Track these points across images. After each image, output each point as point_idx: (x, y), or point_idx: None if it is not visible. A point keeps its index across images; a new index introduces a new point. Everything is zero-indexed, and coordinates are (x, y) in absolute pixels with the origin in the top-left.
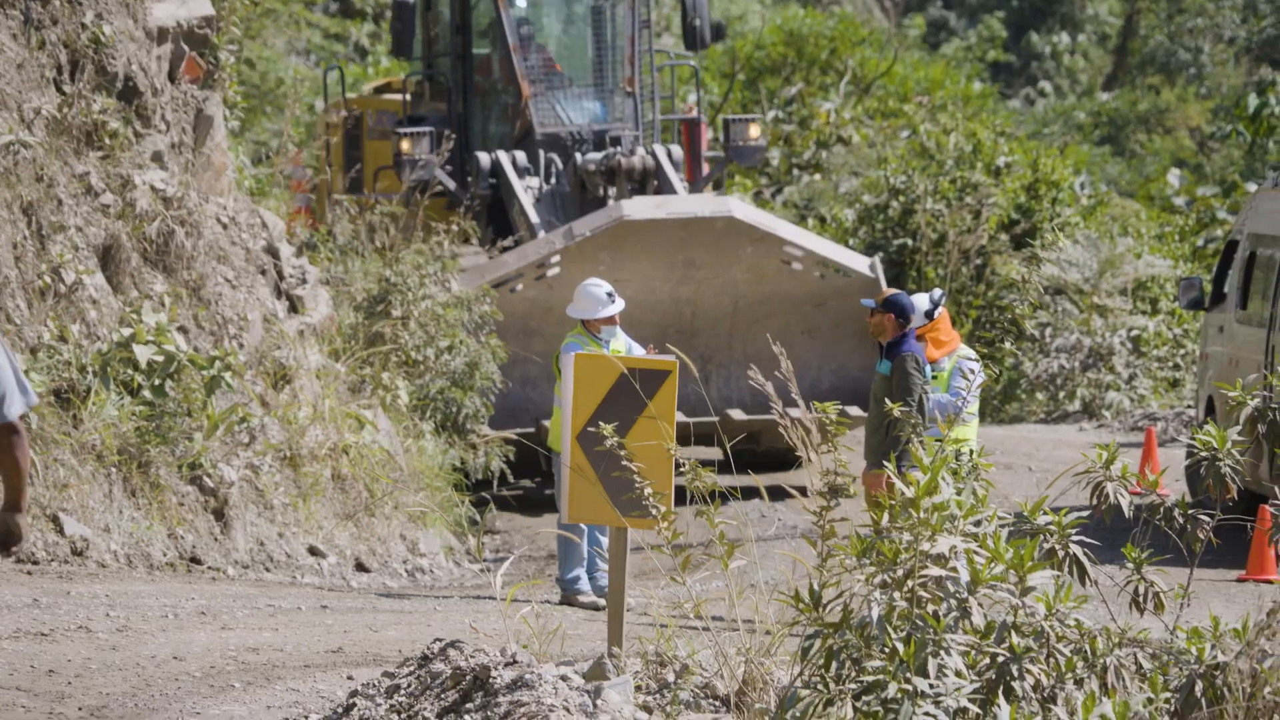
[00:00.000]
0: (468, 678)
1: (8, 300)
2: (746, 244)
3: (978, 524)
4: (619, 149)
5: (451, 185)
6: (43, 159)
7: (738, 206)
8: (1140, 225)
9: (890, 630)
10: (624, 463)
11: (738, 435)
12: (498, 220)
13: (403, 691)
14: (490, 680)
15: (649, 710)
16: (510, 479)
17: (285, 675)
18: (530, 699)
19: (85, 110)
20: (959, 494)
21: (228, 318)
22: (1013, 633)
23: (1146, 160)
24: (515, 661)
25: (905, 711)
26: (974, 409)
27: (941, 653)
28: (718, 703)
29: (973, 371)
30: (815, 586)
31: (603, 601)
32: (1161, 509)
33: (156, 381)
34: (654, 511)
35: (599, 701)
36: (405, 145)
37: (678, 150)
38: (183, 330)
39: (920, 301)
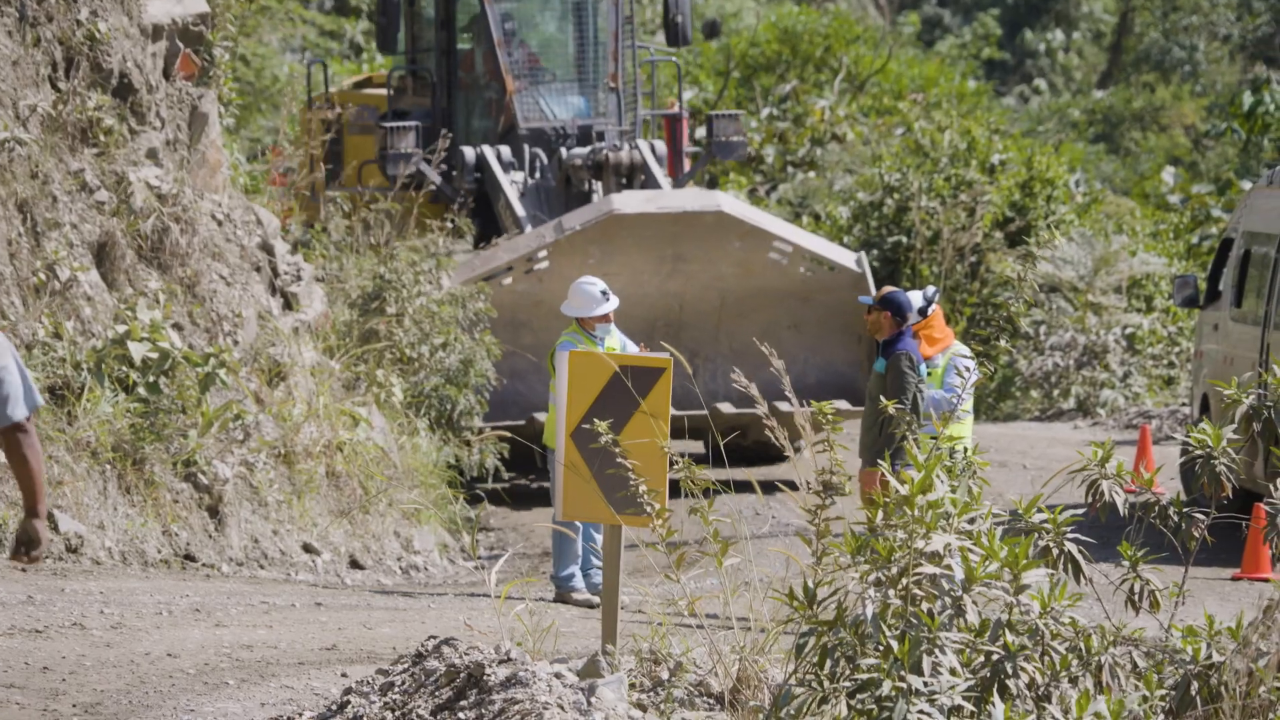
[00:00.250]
0: (462, 675)
1: (2, 297)
2: (735, 239)
3: (972, 522)
4: (605, 144)
5: (437, 180)
6: (37, 156)
7: (727, 201)
8: (1135, 223)
9: (885, 628)
10: (618, 460)
11: (726, 429)
12: (483, 215)
13: (397, 689)
14: (484, 678)
15: (643, 708)
16: (504, 474)
17: (279, 672)
18: (524, 696)
19: (80, 107)
20: (954, 492)
21: (222, 314)
22: (1007, 631)
23: (1141, 158)
24: (509, 659)
25: (900, 709)
26: (969, 406)
27: (936, 651)
28: (712, 700)
29: (968, 369)
30: (810, 584)
31: (597, 599)
32: (1156, 507)
33: (151, 378)
34: (648, 509)
35: (593, 699)
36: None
37: (661, 146)
38: (177, 327)
39: (913, 299)
